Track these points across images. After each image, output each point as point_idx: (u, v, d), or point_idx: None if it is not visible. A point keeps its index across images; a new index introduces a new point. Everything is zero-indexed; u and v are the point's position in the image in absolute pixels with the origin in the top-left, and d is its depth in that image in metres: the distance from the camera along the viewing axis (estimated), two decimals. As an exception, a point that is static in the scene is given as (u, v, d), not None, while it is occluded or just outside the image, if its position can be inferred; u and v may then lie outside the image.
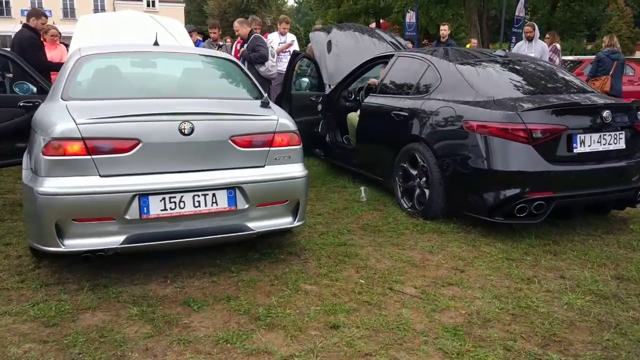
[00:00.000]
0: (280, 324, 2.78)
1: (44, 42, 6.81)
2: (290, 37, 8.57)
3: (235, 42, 8.12)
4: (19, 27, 6.90)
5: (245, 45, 6.98)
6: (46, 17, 6.74)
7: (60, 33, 7.54)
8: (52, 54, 6.96)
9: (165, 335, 2.66)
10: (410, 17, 21.29)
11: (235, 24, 7.21)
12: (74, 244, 2.99)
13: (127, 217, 3.00)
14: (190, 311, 2.91)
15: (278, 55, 7.47)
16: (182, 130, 3.11)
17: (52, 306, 2.91)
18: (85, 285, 3.17)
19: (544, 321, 2.86)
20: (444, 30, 9.46)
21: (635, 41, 39.33)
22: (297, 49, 8.34)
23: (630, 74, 15.11)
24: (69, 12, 43.81)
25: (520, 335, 2.73)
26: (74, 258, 3.35)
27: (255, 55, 6.80)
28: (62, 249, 2.97)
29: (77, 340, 2.59)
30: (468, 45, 11.45)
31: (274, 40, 8.26)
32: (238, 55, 7.35)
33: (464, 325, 2.81)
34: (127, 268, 3.42)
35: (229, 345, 2.59)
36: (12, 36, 7.59)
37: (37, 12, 6.65)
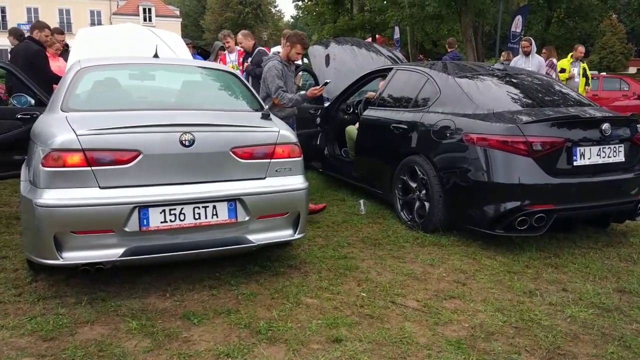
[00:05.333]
0: (282, 337, 2.75)
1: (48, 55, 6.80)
2: None
3: (218, 61, 8.10)
4: (15, 41, 6.89)
5: (249, 60, 6.95)
6: (49, 29, 6.74)
7: (67, 46, 7.52)
8: (59, 64, 6.96)
9: (165, 350, 2.62)
10: (396, 32, 21.76)
11: (239, 36, 7.18)
12: (72, 256, 2.95)
13: (126, 229, 2.97)
14: (190, 325, 2.87)
15: None
16: (183, 142, 3.09)
17: (50, 320, 2.86)
18: (84, 299, 3.12)
19: (548, 334, 2.84)
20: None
21: (629, 57, 39.78)
22: (300, 62, 8.34)
23: (625, 88, 15.28)
24: (65, 27, 43.83)
25: (524, 348, 2.70)
26: (72, 271, 3.31)
27: (261, 71, 6.77)
28: (60, 261, 2.93)
29: (75, 354, 2.55)
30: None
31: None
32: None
33: (468, 338, 2.78)
34: (125, 281, 3.38)
35: (230, 359, 2.55)
36: (10, 49, 7.59)
37: (40, 25, 6.65)
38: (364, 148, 5.51)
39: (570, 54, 9.35)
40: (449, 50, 10.38)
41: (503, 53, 10.94)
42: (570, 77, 9.04)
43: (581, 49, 9.34)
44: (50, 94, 4.28)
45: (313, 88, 4.35)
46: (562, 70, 9.09)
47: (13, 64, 5.46)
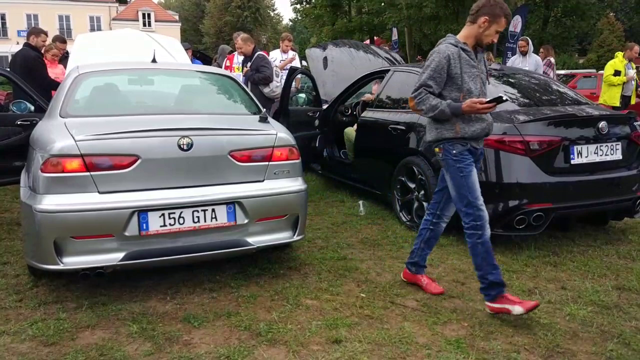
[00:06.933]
0: (282, 339, 2.76)
1: (45, 61, 6.84)
2: (292, 54, 8.61)
3: (226, 59, 8.09)
4: (15, 47, 6.95)
5: (249, 64, 6.94)
6: (46, 34, 6.81)
7: (67, 53, 7.55)
8: (56, 71, 7.00)
9: (166, 353, 2.63)
10: (394, 34, 21.77)
11: (239, 41, 7.15)
12: (72, 261, 2.97)
13: (126, 233, 2.99)
14: (190, 328, 2.88)
15: (281, 71, 7.45)
16: (181, 146, 3.11)
17: (51, 325, 2.88)
18: (84, 303, 3.14)
19: (547, 332, 2.85)
20: None
21: (627, 55, 39.70)
22: (299, 65, 8.34)
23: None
24: (65, 32, 43.99)
25: (523, 347, 2.71)
26: (73, 276, 3.33)
27: (259, 77, 6.72)
28: (60, 266, 2.95)
29: (76, 359, 2.56)
30: None
31: (276, 58, 8.26)
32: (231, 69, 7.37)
33: (467, 337, 2.79)
34: (126, 285, 3.39)
35: (230, 361, 2.56)
36: (10, 56, 7.64)
37: (36, 30, 6.71)
38: (362, 149, 5.53)
39: (619, 53, 8.60)
40: None
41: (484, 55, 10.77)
42: (629, 80, 8.39)
43: (637, 48, 8.53)
44: (48, 100, 4.31)
45: (474, 100, 2.97)
46: (617, 73, 8.32)
47: (11, 71, 5.49)
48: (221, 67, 7.32)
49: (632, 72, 8.45)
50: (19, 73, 5.42)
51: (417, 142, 4.61)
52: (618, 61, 8.45)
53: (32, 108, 4.61)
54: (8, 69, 5.63)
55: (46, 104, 4.25)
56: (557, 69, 9.95)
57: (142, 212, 3.01)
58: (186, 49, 7.97)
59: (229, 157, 3.26)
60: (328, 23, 35.14)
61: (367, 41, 27.37)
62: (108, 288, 3.35)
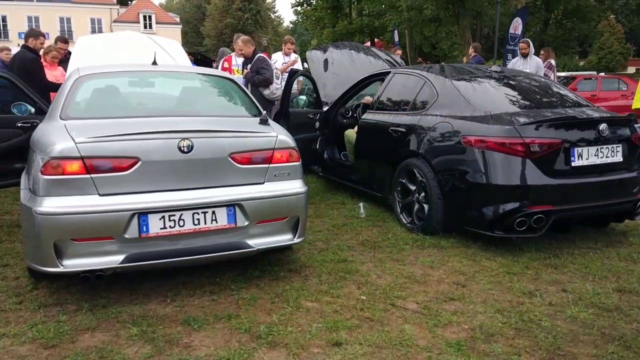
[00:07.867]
0: (282, 341, 2.76)
1: (44, 63, 6.85)
2: (294, 56, 8.61)
3: (223, 60, 8.08)
4: (16, 49, 6.95)
5: (249, 66, 6.94)
6: (44, 37, 6.82)
7: (69, 53, 7.56)
8: (55, 73, 7.01)
9: (166, 355, 2.63)
10: (395, 36, 21.83)
11: (239, 42, 7.14)
12: (72, 264, 2.96)
13: (126, 236, 2.99)
14: (190, 330, 2.88)
15: (282, 74, 7.45)
16: (181, 148, 3.11)
17: (51, 327, 2.87)
18: (84, 306, 3.13)
19: (548, 335, 2.84)
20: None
21: (627, 57, 39.81)
22: (300, 67, 8.34)
23: (624, 88, 15.28)
24: (66, 34, 44.02)
25: (524, 349, 2.70)
26: (73, 278, 3.32)
27: (259, 79, 6.71)
28: (60, 269, 2.95)
29: (76, 361, 2.56)
30: None
31: (278, 60, 8.26)
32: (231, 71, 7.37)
33: (468, 340, 2.79)
34: (126, 287, 3.39)
35: (230, 364, 2.56)
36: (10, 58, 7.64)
37: (35, 33, 6.73)
38: (363, 151, 5.53)
39: None
40: (473, 55, 10.28)
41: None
42: None
43: None
44: (47, 102, 4.31)
45: None
46: None
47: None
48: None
49: None
50: (17, 75, 5.43)
51: (417, 144, 4.61)
52: None
53: (33, 110, 4.62)
54: (8, 71, 5.63)
55: (46, 106, 4.25)
56: (558, 71, 9.94)
57: (142, 214, 3.01)
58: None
59: (229, 159, 3.26)
60: (329, 25, 35.25)
61: (368, 43, 27.39)
62: (108, 290, 3.35)
